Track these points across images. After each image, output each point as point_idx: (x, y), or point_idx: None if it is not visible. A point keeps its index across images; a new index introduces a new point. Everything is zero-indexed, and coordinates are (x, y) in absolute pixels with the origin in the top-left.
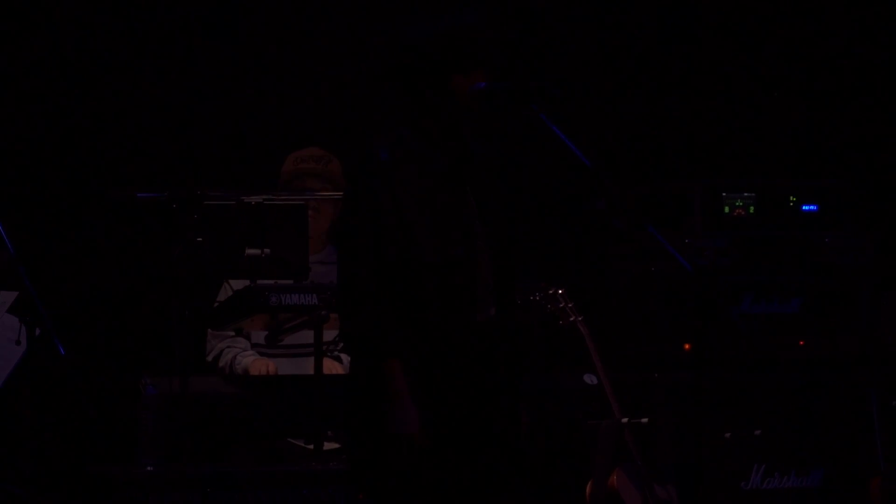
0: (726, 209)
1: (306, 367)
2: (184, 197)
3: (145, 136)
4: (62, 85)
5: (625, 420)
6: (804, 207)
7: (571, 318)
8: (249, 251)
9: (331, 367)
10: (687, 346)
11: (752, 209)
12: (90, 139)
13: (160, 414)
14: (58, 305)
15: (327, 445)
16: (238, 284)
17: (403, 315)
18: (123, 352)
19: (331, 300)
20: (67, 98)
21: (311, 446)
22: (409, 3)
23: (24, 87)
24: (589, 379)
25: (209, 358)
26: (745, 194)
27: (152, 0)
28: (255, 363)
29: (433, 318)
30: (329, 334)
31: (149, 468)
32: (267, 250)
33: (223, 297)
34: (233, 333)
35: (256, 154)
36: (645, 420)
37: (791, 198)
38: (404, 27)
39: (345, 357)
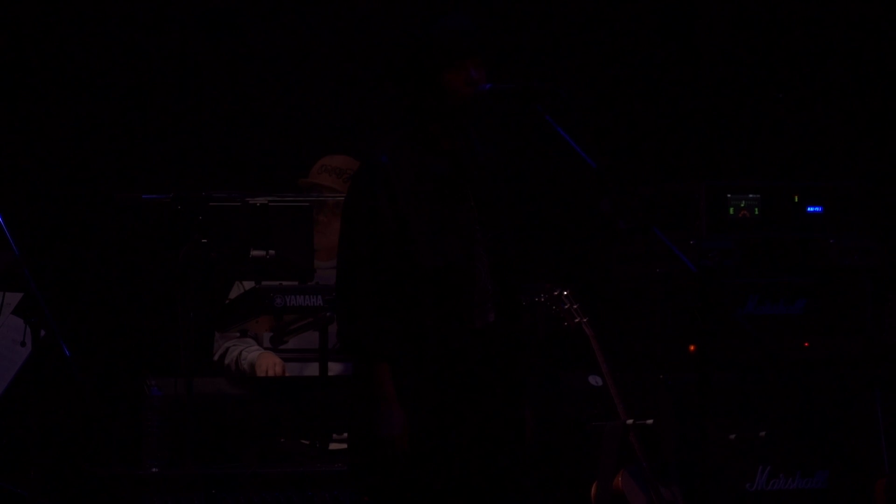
0: (731, 210)
1: (312, 370)
2: (189, 198)
3: (150, 138)
4: (67, 86)
5: (630, 421)
6: (809, 209)
7: (576, 320)
8: (254, 252)
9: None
10: (692, 348)
11: (756, 210)
12: (95, 140)
13: (165, 415)
14: (62, 307)
15: (335, 445)
16: (250, 285)
17: (401, 320)
18: (128, 353)
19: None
20: (72, 99)
21: (318, 444)
22: (413, 7)
23: (29, 88)
24: (594, 380)
25: (215, 357)
26: (750, 195)
27: (158, 1)
28: (261, 356)
29: (431, 323)
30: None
31: (153, 469)
32: (272, 252)
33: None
34: (239, 334)
35: (261, 155)
36: (650, 421)
37: (796, 199)
38: (395, 32)
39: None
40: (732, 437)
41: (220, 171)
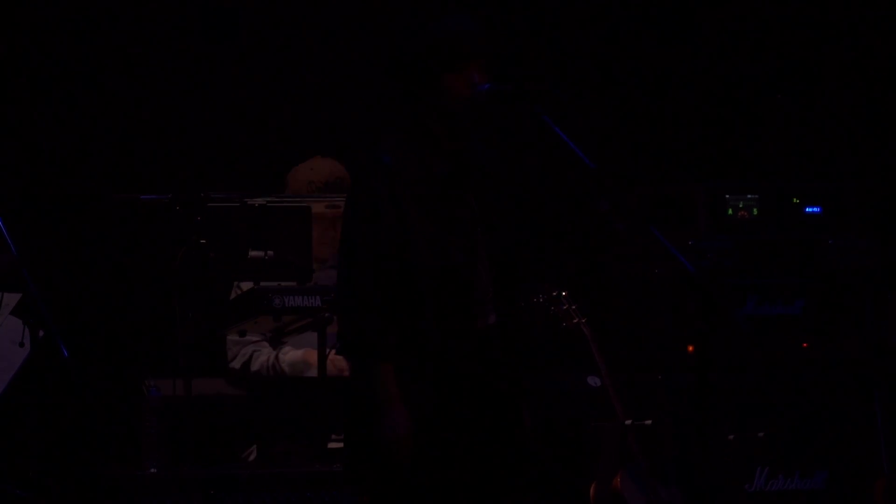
0: (730, 211)
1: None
2: (187, 199)
3: (148, 138)
4: (66, 87)
5: (628, 422)
6: (808, 209)
7: (575, 320)
8: (253, 253)
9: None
10: (690, 348)
11: (755, 211)
12: (94, 141)
13: (164, 416)
14: (61, 307)
15: (333, 445)
16: (248, 286)
17: (402, 320)
18: (127, 354)
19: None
20: (71, 100)
21: (317, 444)
22: (414, 6)
23: (27, 88)
24: (592, 381)
25: (236, 365)
26: (749, 196)
27: (158, 2)
28: (307, 353)
29: (431, 324)
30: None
31: (152, 470)
32: (270, 252)
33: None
34: (257, 338)
35: (260, 156)
36: (649, 422)
37: (794, 199)
38: (397, 33)
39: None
40: (731, 437)
41: (219, 171)
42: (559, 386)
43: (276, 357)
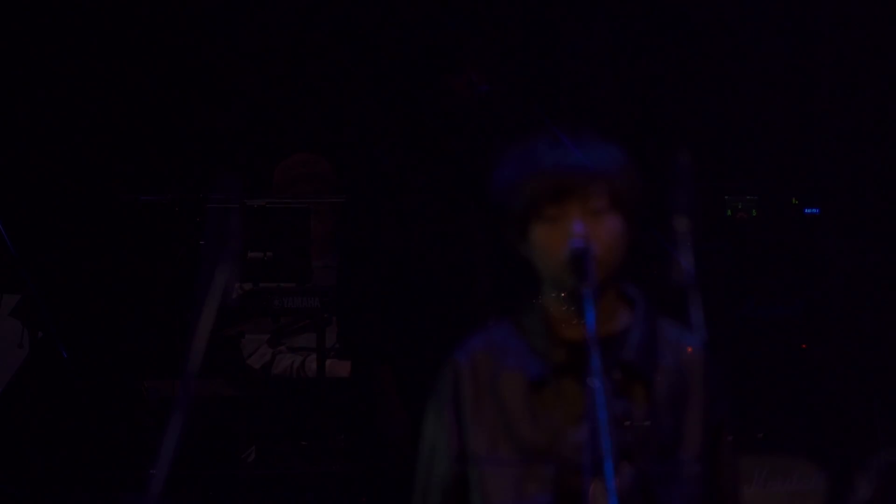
0: (728, 212)
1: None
2: (187, 200)
3: (149, 138)
4: (66, 86)
5: (628, 423)
6: (807, 210)
7: (574, 322)
8: (252, 254)
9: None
10: (689, 350)
11: (754, 212)
12: (93, 141)
13: (163, 417)
14: (60, 308)
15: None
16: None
17: (402, 322)
18: (126, 355)
19: (333, 303)
20: (70, 99)
21: (317, 445)
22: (413, 7)
23: (27, 89)
24: (592, 382)
25: (255, 364)
26: (748, 197)
27: (157, 2)
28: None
29: (430, 325)
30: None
31: (151, 472)
32: (269, 253)
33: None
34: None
35: (259, 157)
36: (647, 423)
37: (794, 200)
38: (397, 34)
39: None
40: (730, 438)
41: (219, 171)
42: None
43: (303, 363)
